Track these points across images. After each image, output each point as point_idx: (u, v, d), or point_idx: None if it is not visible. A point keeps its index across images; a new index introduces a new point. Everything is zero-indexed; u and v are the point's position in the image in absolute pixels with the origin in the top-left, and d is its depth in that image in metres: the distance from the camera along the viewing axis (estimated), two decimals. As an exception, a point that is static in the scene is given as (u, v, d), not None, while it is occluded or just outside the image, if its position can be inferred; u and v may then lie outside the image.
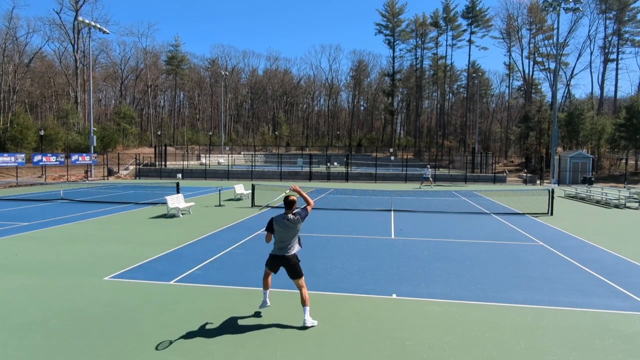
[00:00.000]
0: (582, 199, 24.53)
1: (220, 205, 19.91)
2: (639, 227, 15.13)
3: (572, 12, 43.85)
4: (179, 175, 41.20)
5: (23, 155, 36.22)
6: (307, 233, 12.29)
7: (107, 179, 40.32)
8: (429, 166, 36.12)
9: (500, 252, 10.76)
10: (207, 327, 5.90)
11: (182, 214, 16.73)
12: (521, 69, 77.84)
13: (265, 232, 6.20)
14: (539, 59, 73.88)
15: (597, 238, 12.61)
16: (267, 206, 18.75)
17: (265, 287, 6.21)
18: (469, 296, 7.27)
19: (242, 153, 71.62)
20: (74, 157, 41.07)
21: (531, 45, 74.06)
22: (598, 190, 24.61)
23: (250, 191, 20.79)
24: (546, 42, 72.63)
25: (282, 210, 6.08)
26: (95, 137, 44.90)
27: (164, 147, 47.56)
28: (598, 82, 78.56)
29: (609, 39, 66.85)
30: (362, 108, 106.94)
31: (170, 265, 9.10)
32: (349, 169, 44.56)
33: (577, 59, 71.34)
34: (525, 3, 74.02)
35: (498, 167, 53.89)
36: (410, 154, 72.48)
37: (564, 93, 71.63)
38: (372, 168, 45.43)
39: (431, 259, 9.85)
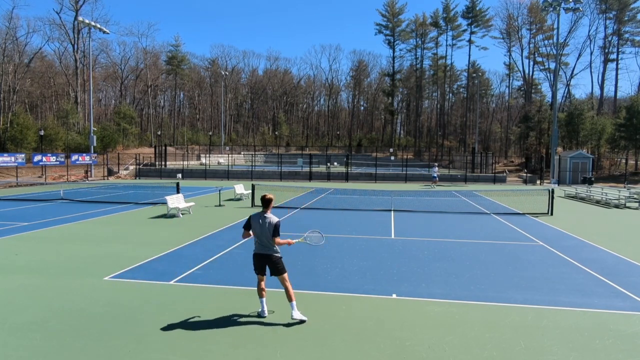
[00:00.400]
0: (582, 199, 24.54)
1: (220, 205, 19.91)
2: (639, 227, 15.14)
3: (572, 12, 43.88)
4: (179, 175, 41.20)
5: (23, 155, 36.22)
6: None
7: (107, 179, 40.33)
8: (436, 165, 36.04)
9: (500, 252, 10.77)
10: (207, 327, 5.90)
11: (182, 214, 16.73)
12: (521, 69, 78.00)
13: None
14: (539, 59, 73.95)
15: (597, 238, 12.62)
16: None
17: (261, 295, 6.23)
18: (469, 296, 7.27)
19: (242, 153, 71.63)
20: (74, 157, 41.08)
21: (531, 45, 74.13)
22: (598, 190, 24.62)
23: (250, 191, 20.76)
24: (546, 42, 72.75)
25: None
26: (95, 137, 44.91)
27: (164, 147, 47.57)
28: (598, 82, 78.57)
29: (609, 39, 66.89)
30: (362, 108, 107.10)
31: (170, 265, 9.11)
32: (349, 169, 44.57)
33: (577, 59, 71.39)
34: (525, 3, 74.16)
35: (498, 167, 53.90)
36: (410, 154, 72.55)
37: (564, 93, 71.75)
38: (372, 168, 45.44)
39: (431, 259, 9.86)
